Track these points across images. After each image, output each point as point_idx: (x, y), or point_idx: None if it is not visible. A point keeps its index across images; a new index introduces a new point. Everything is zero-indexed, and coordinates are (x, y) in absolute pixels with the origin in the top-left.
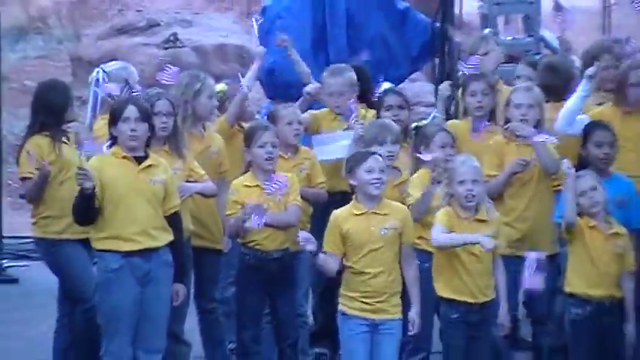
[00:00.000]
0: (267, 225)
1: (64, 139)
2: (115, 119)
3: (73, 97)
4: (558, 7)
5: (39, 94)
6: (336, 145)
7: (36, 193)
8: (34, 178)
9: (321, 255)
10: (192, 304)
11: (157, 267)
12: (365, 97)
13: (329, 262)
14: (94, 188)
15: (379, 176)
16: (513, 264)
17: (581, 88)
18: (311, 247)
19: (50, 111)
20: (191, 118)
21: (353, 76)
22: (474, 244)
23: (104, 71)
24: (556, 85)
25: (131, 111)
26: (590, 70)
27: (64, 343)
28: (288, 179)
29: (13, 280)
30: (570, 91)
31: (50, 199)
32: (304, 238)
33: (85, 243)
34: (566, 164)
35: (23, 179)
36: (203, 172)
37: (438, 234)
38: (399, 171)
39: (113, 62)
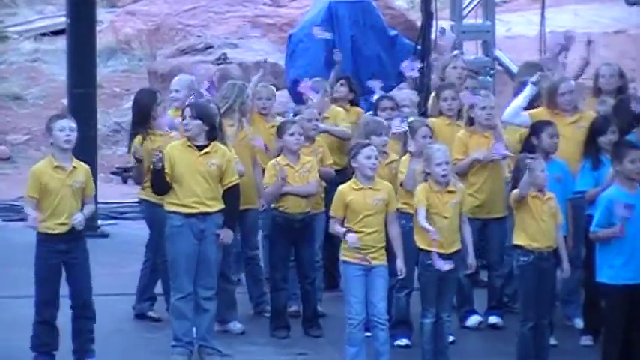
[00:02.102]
0: (293, 194)
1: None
2: (183, 118)
3: (159, 100)
4: (568, 37)
5: (134, 98)
6: None
7: (135, 177)
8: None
9: (333, 227)
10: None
11: (210, 227)
12: (353, 100)
13: (337, 229)
14: (162, 167)
15: (374, 162)
16: (474, 225)
17: (528, 91)
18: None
19: (138, 110)
20: (235, 114)
21: None
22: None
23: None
24: None
25: (186, 111)
26: (534, 78)
27: (146, 280)
28: (309, 162)
29: (105, 235)
30: None
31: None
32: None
33: None
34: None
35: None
36: (235, 155)
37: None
38: (387, 154)
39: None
